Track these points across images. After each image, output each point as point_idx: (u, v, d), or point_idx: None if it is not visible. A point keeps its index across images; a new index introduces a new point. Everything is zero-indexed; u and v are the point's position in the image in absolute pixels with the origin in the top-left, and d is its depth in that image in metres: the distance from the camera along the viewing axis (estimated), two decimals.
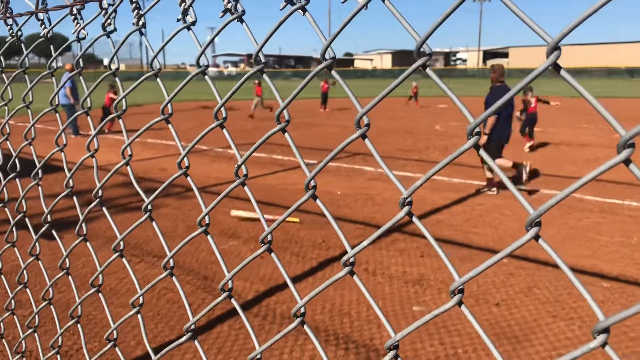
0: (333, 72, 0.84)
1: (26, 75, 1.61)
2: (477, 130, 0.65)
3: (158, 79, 1.13)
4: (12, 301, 1.88)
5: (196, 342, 1.12)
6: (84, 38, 1.33)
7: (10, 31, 1.60)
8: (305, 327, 0.91)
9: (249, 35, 0.92)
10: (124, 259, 1.29)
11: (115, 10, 1.20)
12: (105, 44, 1.28)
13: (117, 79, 1.22)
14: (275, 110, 0.92)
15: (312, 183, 0.86)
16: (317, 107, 22.12)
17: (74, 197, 1.46)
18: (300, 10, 0.83)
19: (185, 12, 1.01)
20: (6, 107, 1.78)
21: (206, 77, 1.02)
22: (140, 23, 1.12)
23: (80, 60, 1.35)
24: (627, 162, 0.55)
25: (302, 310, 0.91)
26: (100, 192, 1.31)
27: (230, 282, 1.02)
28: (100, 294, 1.41)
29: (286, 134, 0.90)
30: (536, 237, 0.62)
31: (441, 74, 66.48)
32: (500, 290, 4.21)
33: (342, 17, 0.80)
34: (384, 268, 4.69)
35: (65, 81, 1.39)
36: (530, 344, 3.40)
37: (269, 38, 0.88)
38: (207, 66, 1.01)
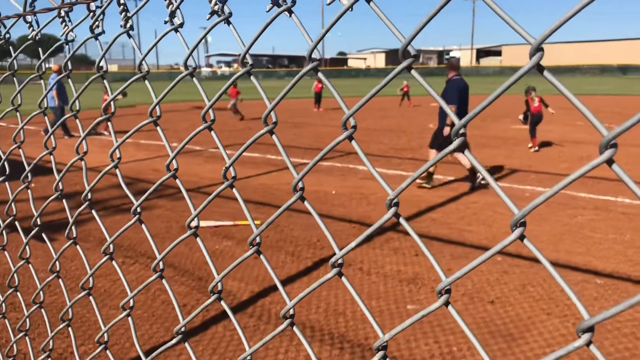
0: (320, 75, 0.84)
1: (14, 78, 1.60)
2: (462, 131, 0.66)
3: (146, 81, 1.13)
4: (3, 305, 1.87)
5: (187, 345, 1.12)
6: (72, 40, 1.32)
7: None
8: (295, 329, 0.91)
9: (236, 37, 0.92)
10: (114, 262, 1.28)
11: (103, 13, 1.19)
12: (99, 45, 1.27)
13: (105, 81, 1.22)
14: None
15: (300, 185, 0.86)
16: (310, 107, 22.14)
17: (64, 200, 1.45)
18: (286, 12, 0.83)
19: (172, 15, 1.01)
20: None
21: (194, 79, 1.01)
22: (128, 25, 1.11)
23: (69, 63, 1.34)
24: (609, 162, 0.55)
25: (291, 311, 0.91)
26: (89, 194, 1.30)
27: (220, 284, 1.02)
28: (90, 297, 1.41)
29: (274, 136, 0.90)
30: (521, 238, 0.62)
31: (434, 72, 66.66)
32: (495, 288, 4.22)
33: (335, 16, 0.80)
34: (378, 267, 4.70)
35: (53, 84, 1.38)
36: (524, 341, 3.41)
37: (255, 40, 0.87)
38: (195, 68, 1.01)
